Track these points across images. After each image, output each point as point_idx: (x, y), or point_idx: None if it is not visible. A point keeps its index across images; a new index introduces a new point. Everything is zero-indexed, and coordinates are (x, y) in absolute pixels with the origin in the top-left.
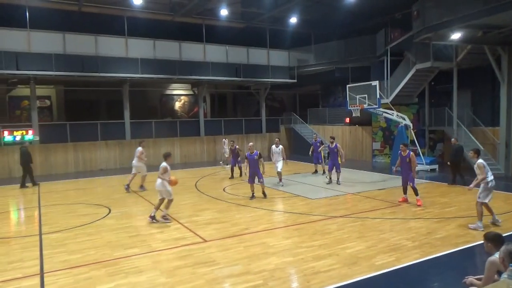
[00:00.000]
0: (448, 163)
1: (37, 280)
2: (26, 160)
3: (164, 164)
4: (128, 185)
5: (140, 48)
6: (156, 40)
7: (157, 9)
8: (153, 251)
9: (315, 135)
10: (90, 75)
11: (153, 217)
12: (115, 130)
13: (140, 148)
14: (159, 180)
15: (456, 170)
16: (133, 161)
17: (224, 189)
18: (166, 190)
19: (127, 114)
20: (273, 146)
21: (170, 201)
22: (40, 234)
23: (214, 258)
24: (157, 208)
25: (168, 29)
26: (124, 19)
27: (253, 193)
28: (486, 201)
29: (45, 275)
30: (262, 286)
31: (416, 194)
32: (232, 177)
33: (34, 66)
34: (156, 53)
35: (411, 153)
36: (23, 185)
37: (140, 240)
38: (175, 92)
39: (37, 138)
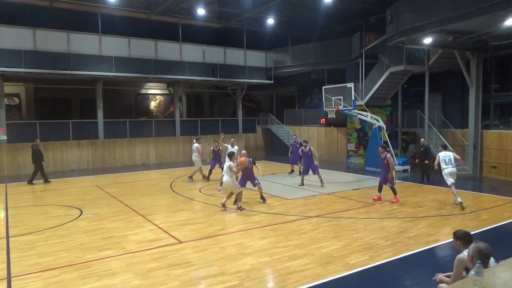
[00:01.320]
0: (416, 160)
1: (3, 285)
2: (37, 157)
3: (231, 163)
4: (191, 176)
5: (115, 46)
6: (131, 38)
7: (132, 6)
8: (127, 253)
9: (294, 136)
10: (61, 72)
11: (238, 206)
12: (87, 129)
13: (198, 145)
14: (226, 177)
15: (424, 170)
16: (193, 157)
17: (200, 190)
18: (234, 185)
19: (100, 113)
20: (229, 146)
21: (239, 193)
22: (8, 237)
23: (189, 259)
24: (228, 197)
25: (143, 28)
26: (98, 16)
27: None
28: (448, 183)
29: (13, 279)
30: (238, 286)
31: (395, 194)
32: (208, 179)
33: (2, 62)
34: (131, 51)
35: (388, 155)
36: (30, 182)
37: (113, 242)
38: (150, 91)
39: (5, 137)
